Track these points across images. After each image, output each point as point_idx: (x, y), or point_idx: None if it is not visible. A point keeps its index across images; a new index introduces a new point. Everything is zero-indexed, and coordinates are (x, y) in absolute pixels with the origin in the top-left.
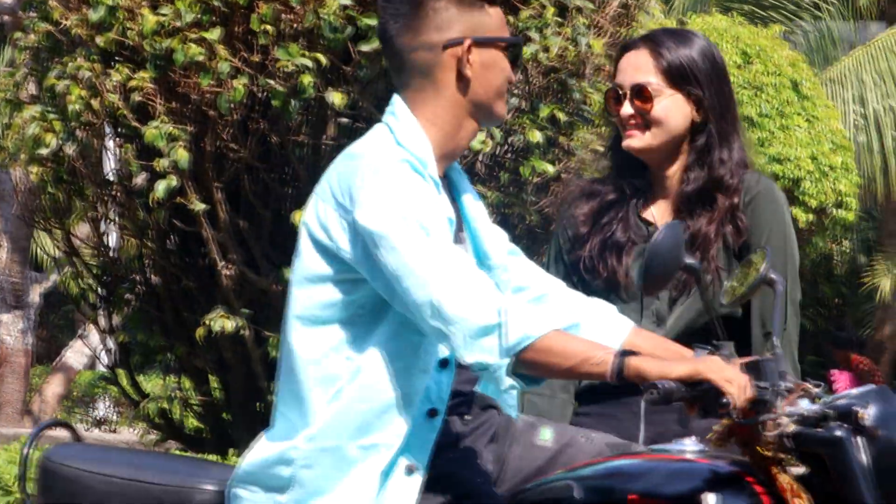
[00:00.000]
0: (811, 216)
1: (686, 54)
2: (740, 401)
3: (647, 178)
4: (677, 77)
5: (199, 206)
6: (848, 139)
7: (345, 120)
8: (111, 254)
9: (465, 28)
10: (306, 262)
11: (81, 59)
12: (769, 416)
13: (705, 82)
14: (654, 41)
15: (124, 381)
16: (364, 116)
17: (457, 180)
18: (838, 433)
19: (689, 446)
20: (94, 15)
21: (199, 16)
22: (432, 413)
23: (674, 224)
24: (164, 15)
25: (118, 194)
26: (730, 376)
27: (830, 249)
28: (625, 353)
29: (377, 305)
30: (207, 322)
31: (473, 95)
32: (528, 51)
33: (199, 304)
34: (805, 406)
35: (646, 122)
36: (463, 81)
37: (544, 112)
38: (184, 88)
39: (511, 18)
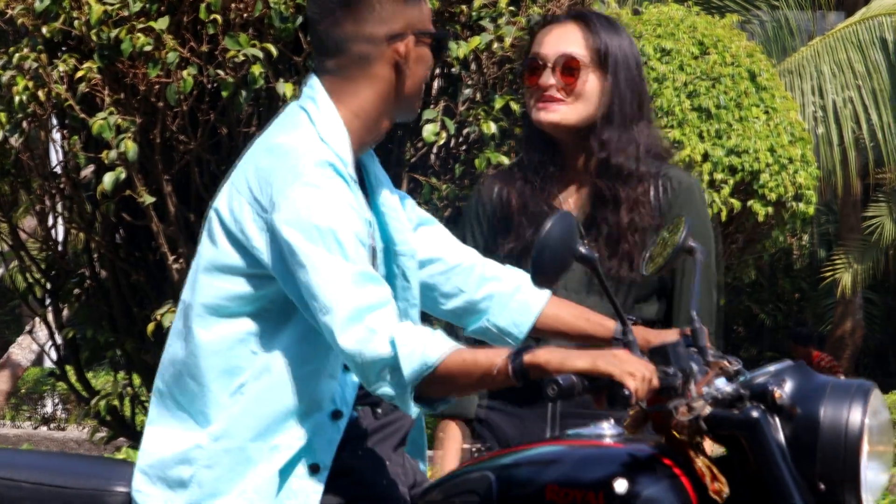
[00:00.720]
0: (770, 209)
1: (612, 38)
2: (643, 392)
3: (559, 163)
4: (603, 58)
5: (148, 199)
6: (807, 131)
7: None
8: (59, 248)
9: (406, 22)
10: (216, 251)
11: (27, 49)
12: (678, 402)
13: (621, 70)
14: (584, 19)
15: (73, 378)
16: None
17: (366, 162)
18: (754, 414)
19: (607, 430)
20: (40, 4)
21: (146, 5)
22: (336, 415)
23: (565, 214)
24: (110, 4)
25: (65, 187)
26: (631, 368)
27: (789, 243)
28: (520, 353)
29: (287, 304)
30: (158, 317)
31: (403, 90)
32: (481, 41)
33: (148, 299)
34: (721, 386)
35: (566, 94)
36: (399, 76)
37: (498, 103)
38: (131, 79)
39: (464, 8)
